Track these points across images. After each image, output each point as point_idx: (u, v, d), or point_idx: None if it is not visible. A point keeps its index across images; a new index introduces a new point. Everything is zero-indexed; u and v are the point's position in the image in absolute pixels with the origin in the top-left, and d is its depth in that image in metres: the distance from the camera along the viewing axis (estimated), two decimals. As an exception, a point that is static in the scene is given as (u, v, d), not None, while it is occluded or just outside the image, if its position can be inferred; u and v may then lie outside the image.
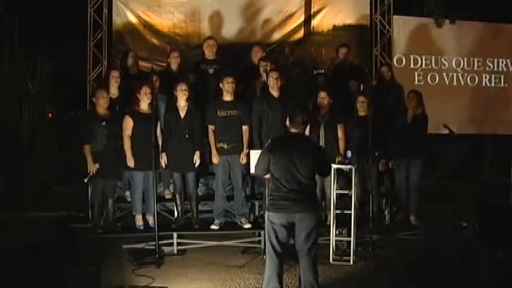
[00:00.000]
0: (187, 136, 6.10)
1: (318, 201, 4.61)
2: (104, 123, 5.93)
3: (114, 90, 6.42)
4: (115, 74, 6.51)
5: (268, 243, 4.25)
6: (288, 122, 4.33)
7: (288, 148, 4.19)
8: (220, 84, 6.25)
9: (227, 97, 6.24)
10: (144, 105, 6.08)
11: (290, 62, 7.49)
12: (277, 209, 4.16)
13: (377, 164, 6.44)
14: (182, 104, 6.18)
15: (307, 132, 6.20)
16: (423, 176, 6.75)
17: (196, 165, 6.19)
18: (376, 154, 6.30)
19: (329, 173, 4.74)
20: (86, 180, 5.92)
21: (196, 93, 6.44)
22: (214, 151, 6.20)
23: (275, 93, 6.29)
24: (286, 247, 4.22)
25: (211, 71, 6.98)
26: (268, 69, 6.49)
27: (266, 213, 4.29)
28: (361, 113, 6.35)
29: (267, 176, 4.33)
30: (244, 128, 6.24)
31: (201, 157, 6.22)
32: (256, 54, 7.26)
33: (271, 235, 4.20)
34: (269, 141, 4.39)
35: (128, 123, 6.03)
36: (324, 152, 4.75)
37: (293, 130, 4.30)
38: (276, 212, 4.16)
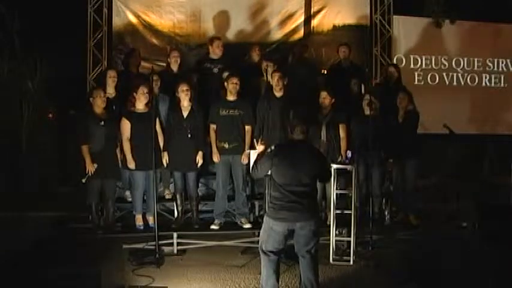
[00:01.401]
0: (189, 136, 6.10)
1: (318, 208, 4.58)
2: (101, 123, 5.93)
3: (111, 90, 6.42)
4: (112, 74, 6.51)
5: (263, 245, 4.20)
6: (289, 131, 4.35)
7: (291, 155, 4.18)
8: (225, 84, 6.25)
9: (230, 97, 6.24)
10: (141, 105, 6.08)
11: (294, 61, 7.50)
12: (278, 219, 4.13)
13: (384, 164, 6.45)
14: (185, 104, 6.19)
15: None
16: (423, 176, 6.75)
17: (199, 165, 6.20)
18: (383, 155, 6.30)
19: (329, 179, 4.75)
20: (83, 180, 5.91)
21: (199, 93, 6.44)
22: (214, 149, 6.21)
23: (277, 93, 6.29)
24: (282, 248, 4.20)
25: (216, 70, 6.99)
26: (270, 69, 6.50)
27: (266, 217, 4.27)
28: (368, 112, 6.32)
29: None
30: (247, 128, 6.24)
31: (202, 157, 6.23)
32: (256, 54, 7.28)
33: (269, 240, 4.17)
34: (272, 147, 4.37)
35: (126, 126, 6.02)
36: (325, 160, 4.73)
37: (295, 137, 4.29)
38: (277, 221, 4.13)
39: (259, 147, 4.49)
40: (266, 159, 4.26)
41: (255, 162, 4.40)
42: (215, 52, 7.08)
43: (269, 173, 4.29)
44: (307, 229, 4.12)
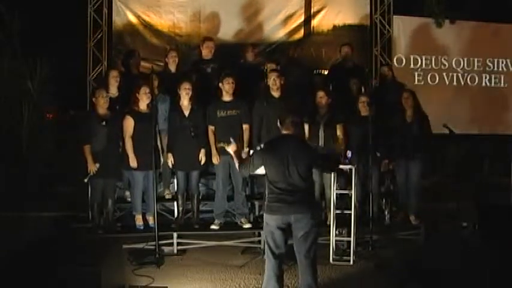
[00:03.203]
0: (192, 135, 6.11)
1: (315, 202, 4.53)
2: (104, 123, 5.93)
3: (113, 90, 6.42)
4: (114, 74, 6.50)
5: (266, 246, 4.23)
6: (279, 124, 4.33)
7: (280, 149, 4.17)
8: (220, 85, 6.26)
9: (226, 97, 6.25)
10: (143, 105, 6.09)
11: (286, 62, 7.53)
12: (272, 212, 4.14)
13: (378, 164, 6.45)
14: (185, 103, 6.20)
15: (306, 132, 6.28)
16: (423, 176, 6.75)
17: (202, 162, 6.21)
18: (378, 154, 6.30)
19: (333, 168, 4.66)
20: (86, 180, 5.92)
21: (197, 92, 6.45)
22: (214, 151, 6.21)
23: (275, 93, 6.29)
24: (284, 249, 4.19)
25: (209, 69, 7.01)
26: (269, 70, 6.51)
27: (264, 214, 4.29)
28: (364, 113, 6.33)
29: (259, 171, 4.29)
30: (245, 126, 6.24)
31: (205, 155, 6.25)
32: (250, 54, 7.32)
33: (268, 238, 4.18)
34: (262, 144, 4.37)
35: (129, 123, 6.02)
36: (316, 152, 4.70)
37: (285, 132, 4.28)
38: (271, 214, 4.15)
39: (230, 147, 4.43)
40: (256, 156, 4.28)
41: (248, 161, 4.38)
42: (204, 53, 7.11)
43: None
44: (303, 223, 4.09)
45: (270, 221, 4.15)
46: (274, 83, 6.24)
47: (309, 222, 4.12)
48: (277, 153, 4.15)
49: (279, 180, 4.11)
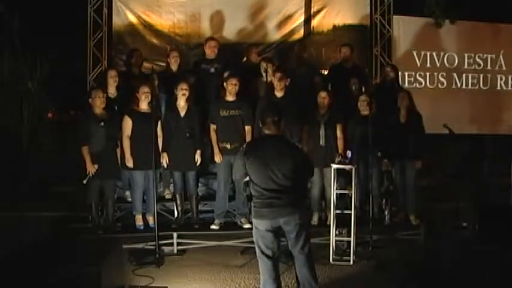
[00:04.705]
0: (187, 135, 6.11)
1: (303, 202, 4.35)
2: (102, 123, 5.93)
3: (112, 90, 6.43)
4: (112, 74, 6.51)
5: (257, 249, 4.14)
6: (260, 124, 4.21)
7: (263, 151, 4.05)
8: (225, 84, 6.26)
9: (230, 97, 6.26)
10: (143, 104, 6.10)
11: (294, 62, 7.53)
12: (260, 217, 4.04)
13: (379, 164, 6.45)
14: (182, 103, 6.20)
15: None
16: (423, 176, 6.75)
17: (198, 163, 6.21)
18: (379, 154, 6.31)
19: (312, 173, 4.41)
20: (84, 181, 5.92)
21: (196, 93, 6.45)
22: (216, 150, 6.22)
23: (278, 93, 6.30)
24: (276, 249, 4.11)
25: (212, 70, 7.01)
26: (270, 70, 6.51)
27: (252, 220, 4.21)
28: (364, 113, 6.35)
29: (246, 179, 4.15)
30: (247, 128, 6.24)
31: (201, 156, 6.23)
32: (254, 55, 7.31)
33: (259, 241, 4.10)
34: (244, 145, 4.27)
35: (127, 123, 6.04)
36: (301, 152, 4.63)
37: (267, 132, 4.15)
38: (259, 219, 4.06)
39: None
40: (239, 159, 4.13)
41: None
42: (208, 52, 7.11)
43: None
44: (292, 224, 4.01)
45: (259, 225, 4.06)
46: (279, 84, 6.23)
47: (298, 223, 4.02)
48: (259, 155, 4.01)
49: (264, 183, 3.98)
